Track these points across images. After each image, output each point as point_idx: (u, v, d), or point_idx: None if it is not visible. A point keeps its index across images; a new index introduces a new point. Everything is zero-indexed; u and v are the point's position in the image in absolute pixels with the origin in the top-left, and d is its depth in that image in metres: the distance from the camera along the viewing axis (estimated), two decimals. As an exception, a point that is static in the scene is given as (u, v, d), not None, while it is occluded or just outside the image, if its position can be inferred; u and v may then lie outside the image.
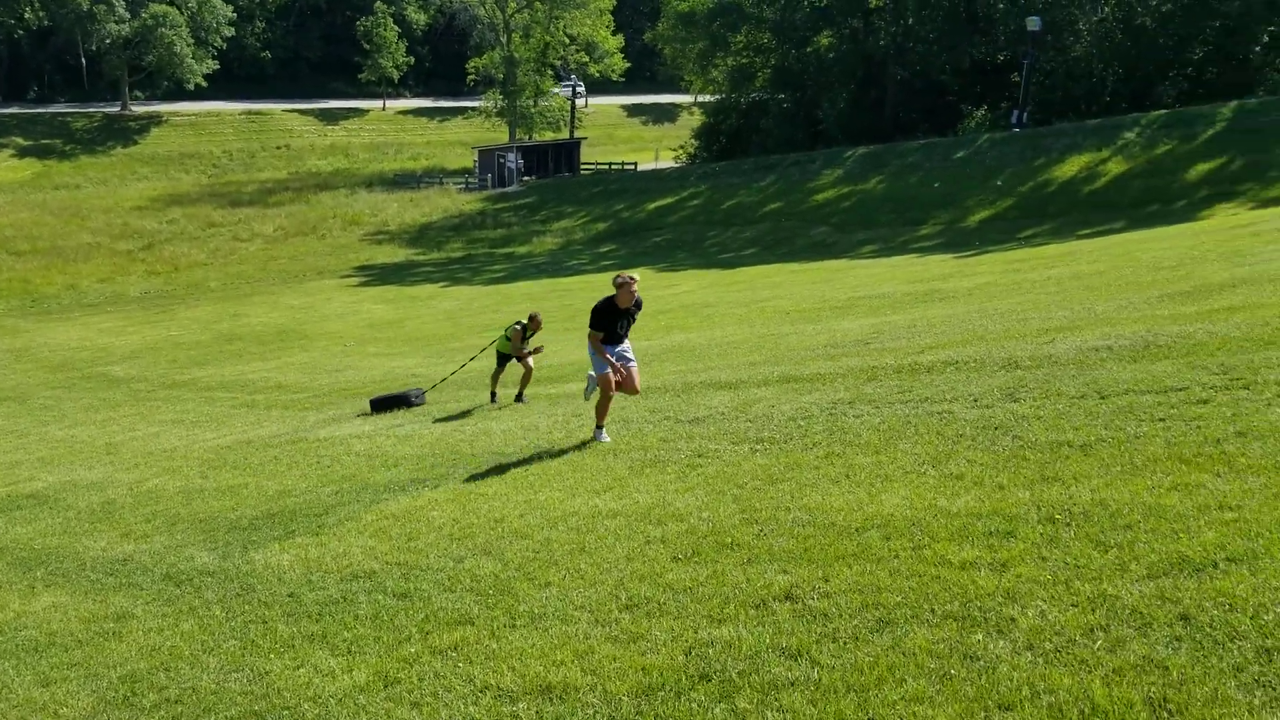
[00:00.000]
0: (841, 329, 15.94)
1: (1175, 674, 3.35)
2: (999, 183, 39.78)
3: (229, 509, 8.90)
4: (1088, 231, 30.99)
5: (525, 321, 13.01)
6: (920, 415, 8.02)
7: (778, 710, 3.73)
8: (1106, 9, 46.30)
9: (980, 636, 3.89)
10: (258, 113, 78.14)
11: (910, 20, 53.16)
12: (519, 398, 13.06)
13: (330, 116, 79.97)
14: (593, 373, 9.39)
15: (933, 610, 4.21)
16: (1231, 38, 44.81)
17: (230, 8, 76.15)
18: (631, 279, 9.11)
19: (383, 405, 13.89)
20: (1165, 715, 3.15)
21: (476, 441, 10.41)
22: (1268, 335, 8.40)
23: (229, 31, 76.11)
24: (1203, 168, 36.06)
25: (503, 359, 13.21)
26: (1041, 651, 3.69)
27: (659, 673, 4.24)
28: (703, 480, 7.34)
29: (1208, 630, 3.59)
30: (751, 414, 9.44)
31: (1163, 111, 42.34)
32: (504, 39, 69.64)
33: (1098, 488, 5.38)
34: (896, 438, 7.45)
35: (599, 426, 9.40)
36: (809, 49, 58.02)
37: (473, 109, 74.78)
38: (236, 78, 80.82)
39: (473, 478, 8.64)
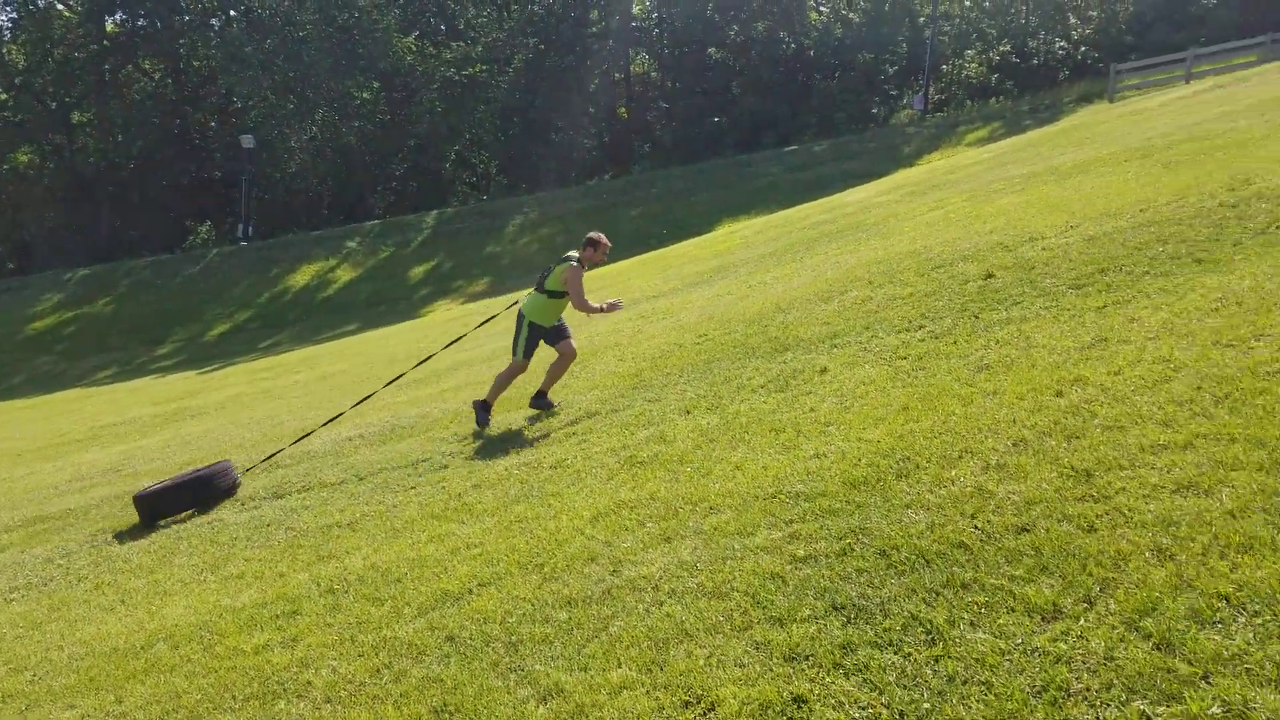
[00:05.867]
0: (87, 461, 14.86)
1: (449, 683, 4.00)
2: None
3: None
4: (326, 335, 32.68)
5: (579, 253, 8.50)
6: (191, 528, 8.00)
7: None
8: (315, 128, 49.48)
9: (283, 705, 4.18)
10: None
11: (120, 137, 51.32)
12: (541, 398, 8.72)
13: None
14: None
15: (234, 696, 4.39)
16: (425, 155, 50.84)
17: None
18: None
19: (160, 506, 8.50)
20: (448, 715, 3.75)
21: None
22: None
23: None
24: (419, 270, 40.27)
25: (535, 336, 8.66)
26: (339, 700, 4.10)
27: None
28: (-56, 646, 6.51)
29: (469, 642, 4.32)
30: (-4, 565, 8.52)
31: (378, 221, 46.42)
32: None
33: (368, 555, 5.99)
34: (170, 554, 7.36)
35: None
36: (5, 166, 52.81)
37: None
38: None
39: None
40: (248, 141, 46.38)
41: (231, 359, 31.19)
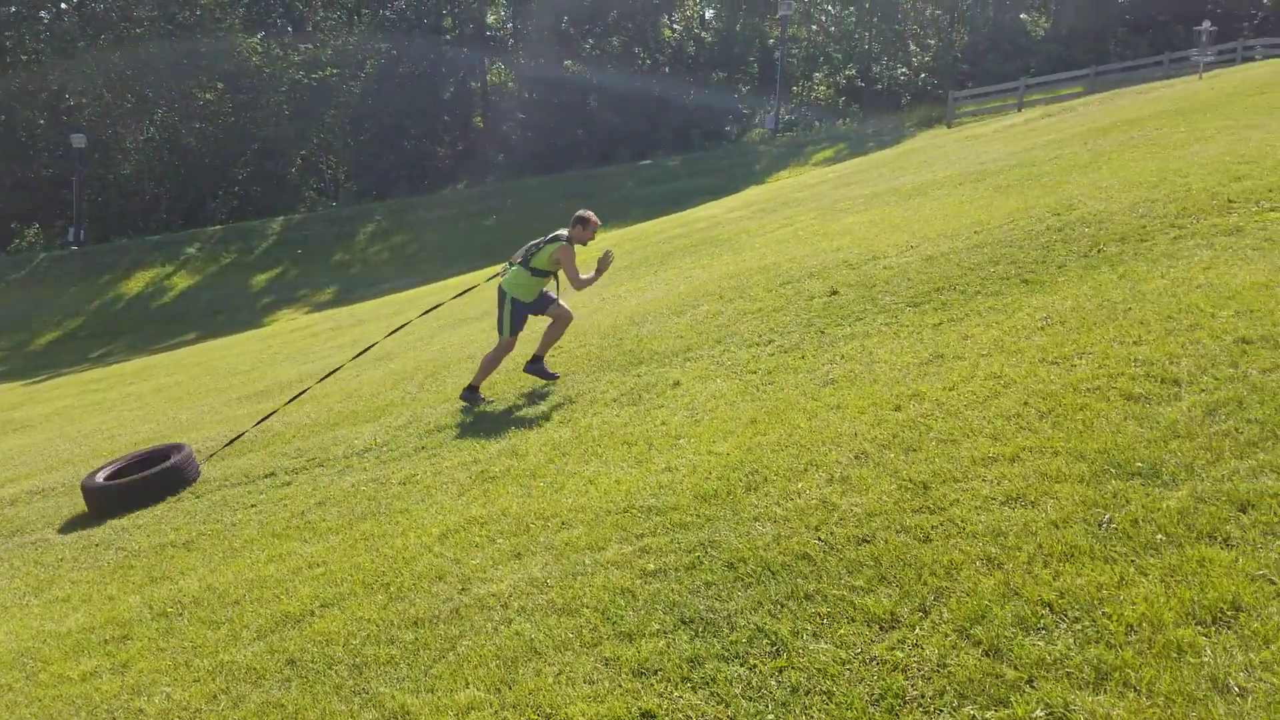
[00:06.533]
0: (-106, 477, 13.82)
1: (290, 707, 3.87)
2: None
3: None
4: (162, 345, 31.25)
5: (568, 231, 8.38)
6: (13, 550, 7.53)
7: None
8: (153, 128, 47.33)
9: (109, 736, 3.97)
10: None
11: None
12: (537, 363, 8.56)
13: None
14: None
15: (56, 729, 4.15)
16: (270, 159, 49.21)
17: None
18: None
19: (112, 498, 7.80)
20: (285, 743, 3.63)
21: None
22: (332, 419, 9.66)
23: None
24: (263, 278, 38.94)
25: (521, 312, 8.47)
26: (171, 730, 3.92)
27: None
28: None
29: (311, 665, 4.19)
30: None
31: (219, 227, 44.68)
32: None
33: (204, 576, 5.74)
34: (-14, 577, 6.90)
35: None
36: None
37: None
38: None
39: None
40: (79, 141, 44.02)
41: (60, 369, 29.51)
